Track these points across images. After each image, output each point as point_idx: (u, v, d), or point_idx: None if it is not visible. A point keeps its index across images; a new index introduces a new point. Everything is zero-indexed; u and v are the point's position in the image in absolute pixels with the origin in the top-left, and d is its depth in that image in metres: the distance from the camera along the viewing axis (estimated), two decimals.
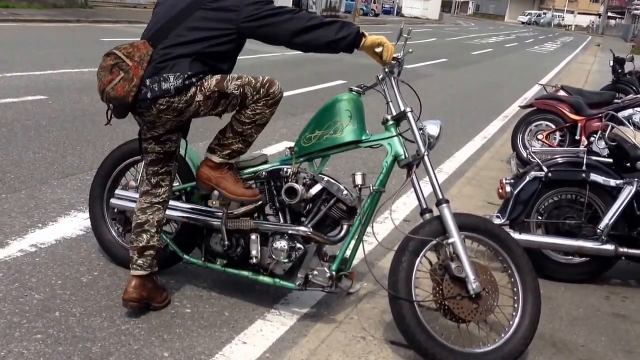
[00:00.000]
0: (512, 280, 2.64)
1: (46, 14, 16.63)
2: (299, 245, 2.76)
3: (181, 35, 2.58)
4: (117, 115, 2.62)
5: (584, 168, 3.55)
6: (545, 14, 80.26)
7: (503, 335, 2.58)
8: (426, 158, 2.65)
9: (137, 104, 2.57)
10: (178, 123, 2.69)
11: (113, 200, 3.10)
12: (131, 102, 2.52)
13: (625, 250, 3.47)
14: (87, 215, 3.54)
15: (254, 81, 2.65)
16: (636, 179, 3.51)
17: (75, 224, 3.65)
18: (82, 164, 4.75)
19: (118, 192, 3.11)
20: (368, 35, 2.66)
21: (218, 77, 2.63)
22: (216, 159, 2.76)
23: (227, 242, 2.82)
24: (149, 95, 2.53)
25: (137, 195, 2.99)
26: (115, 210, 3.10)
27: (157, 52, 2.56)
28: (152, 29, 2.66)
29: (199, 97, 2.59)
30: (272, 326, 2.81)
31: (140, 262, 2.75)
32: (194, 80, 2.56)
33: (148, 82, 2.53)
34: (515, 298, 2.62)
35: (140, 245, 2.75)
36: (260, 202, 2.81)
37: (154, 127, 2.69)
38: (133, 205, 2.98)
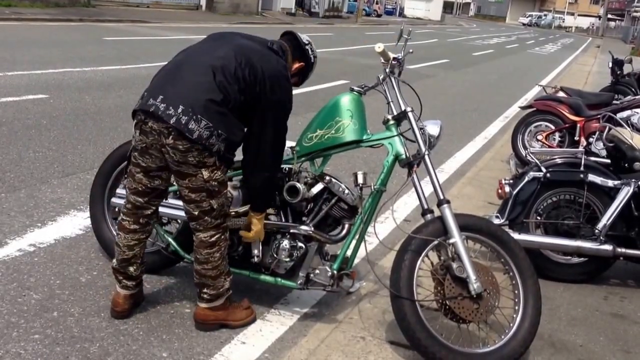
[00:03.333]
0: (513, 282, 2.65)
1: (48, 13, 16.61)
2: (300, 244, 2.77)
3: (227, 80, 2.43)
4: None
5: (582, 168, 3.57)
6: (545, 15, 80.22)
7: (503, 337, 2.59)
8: (427, 157, 2.66)
9: (151, 118, 2.39)
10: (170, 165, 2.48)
11: (114, 199, 3.09)
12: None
13: (623, 250, 3.48)
14: (87, 214, 3.54)
15: (225, 205, 2.58)
16: (633, 180, 3.53)
17: (75, 223, 3.65)
18: (83, 163, 4.75)
19: (119, 191, 3.10)
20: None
21: (226, 178, 2.57)
22: (208, 304, 2.67)
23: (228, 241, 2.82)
24: (172, 121, 2.35)
25: None
26: (117, 209, 3.10)
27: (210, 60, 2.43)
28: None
29: (205, 173, 2.44)
30: (272, 326, 2.81)
31: (127, 283, 2.70)
32: (217, 146, 2.41)
33: (180, 108, 2.35)
34: (516, 300, 2.63)
35: (128, 273, 2.68)
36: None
37: (146, 154, 2.48)
38: None
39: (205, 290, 2.64)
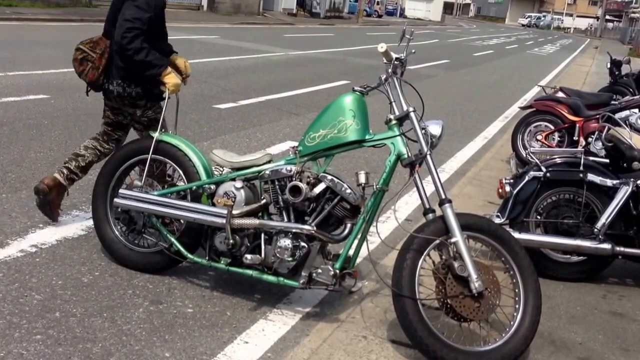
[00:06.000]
0: (514, 280, 2.66)
1: (49, 13, 16.61)
2: (302, 244, 2.78)
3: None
4: (94, 89, 3.44)
5: (581, 168, 3.59)
6: (544, 16, 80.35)
7: (504, 335, 2.60)
8: (428, 157, 2.67)
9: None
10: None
11: (117, 199, 3.10)
12: (100, 84, 3.31)
13: (622, 249, 3.50)
14: (88, 214, 3.55)
15: None
16: (632, 179, 3.55)
17: (77, 223, 3.66)
18: None
19: (122, 191, 3.11)
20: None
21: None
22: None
23: (231, 241, 2.83)
24: (115, 93, 3.27)
25: (142, 195, 3.02)
26: (119, 210, 3.11)
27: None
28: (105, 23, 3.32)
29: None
30: (274, 325, 2.82)
31: (65, 170, 3.42)
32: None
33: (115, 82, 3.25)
34: (517, 298, 2.64)
35: (70, 166, 3.43)
36: None
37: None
38: (137, 204, 3.00)
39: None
